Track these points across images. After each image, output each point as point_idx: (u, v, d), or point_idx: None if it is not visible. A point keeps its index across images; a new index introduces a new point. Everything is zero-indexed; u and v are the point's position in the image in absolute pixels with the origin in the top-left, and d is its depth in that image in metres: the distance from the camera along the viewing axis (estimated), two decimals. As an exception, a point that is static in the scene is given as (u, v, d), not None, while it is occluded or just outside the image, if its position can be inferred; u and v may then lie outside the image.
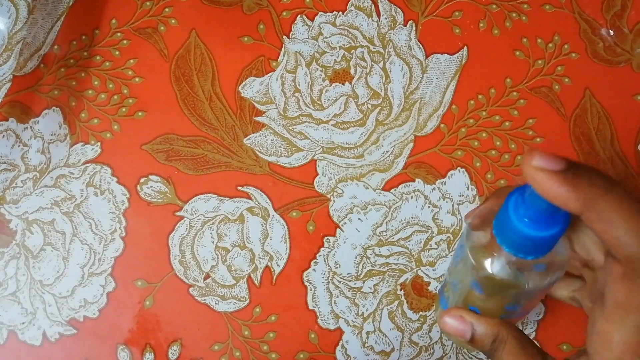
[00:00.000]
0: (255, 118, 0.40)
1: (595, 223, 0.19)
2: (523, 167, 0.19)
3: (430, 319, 0.38)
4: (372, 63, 0.39)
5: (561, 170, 0.19)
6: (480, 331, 0.25)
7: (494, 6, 0.39)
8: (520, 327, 0.38)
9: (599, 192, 0.19)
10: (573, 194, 0.19)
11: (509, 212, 0.21)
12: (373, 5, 0.40)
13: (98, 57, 0.41)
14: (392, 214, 0.38)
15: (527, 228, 0.21)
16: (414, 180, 0.39)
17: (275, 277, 0.38)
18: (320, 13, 0.40)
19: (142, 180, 0.39)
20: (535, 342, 0.28)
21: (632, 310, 0.19)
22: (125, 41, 0.41)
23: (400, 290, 0.38)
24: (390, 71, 0.39)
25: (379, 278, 0.38)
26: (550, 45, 0.39)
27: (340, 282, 0.38)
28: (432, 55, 0.39)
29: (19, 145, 0.40)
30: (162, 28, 0.40)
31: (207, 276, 0.38)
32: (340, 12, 0.40)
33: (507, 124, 0.39)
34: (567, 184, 0.19)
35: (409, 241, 0.38)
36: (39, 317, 0.39)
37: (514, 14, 0.39)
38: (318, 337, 0.38)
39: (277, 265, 0.38)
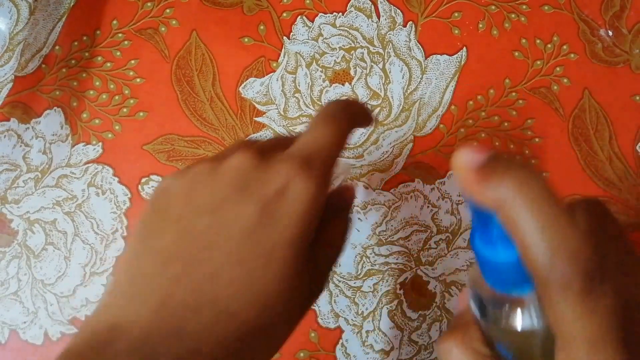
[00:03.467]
0: (256, 118, 0.40)
1: (508, 226, 0.16)
2: (452, 168, 0.17)
3: (429, 317, 0.38)
4: (372, 64, 0.39)
5: (479, 165, 0.16)
6: None
7: (493, 7, 0.39)
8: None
9: (511, 187, 0.16)
10: (485, 191, 0.16)
11: (474, 242, 0.18)
12: (373, 6, 0.40)
13: (99, 58, 0.41)
14: (391, 213, 0.38)
15: (487, 252, 0.17)
16: (413, 180, 0.39)
17: (275, 276, 0.38)
18: (320, 14, 0.40)
19: (143, 180, 0.40)
20: None
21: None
22: (126, 42, 0.41)
23: (400, 289, 0.38)
24: (389, 72, 0.39)
25: (379, 277, 0.38)
26: (549, 45, 0.39)
27: (340, 281, 0.38)
28: (431, 56, 0.39)
29: (21, 146, 0.40)
30: (163, 29, 0.41)
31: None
32: (340, 13, 0.40)
33: (505, 124, 0.39)
34: (480, 180, 0.16)
35: (409, 241, 0.38)
36: (40, 317, 0.39)
37: (513, 15, 0.39)
38: (318, 335, 0.38)
39: (278, 264, 0.38)
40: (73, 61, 0.41)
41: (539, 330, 0.18)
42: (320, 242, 0.23)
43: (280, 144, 0.23)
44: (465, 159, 0.17)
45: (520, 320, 0.18)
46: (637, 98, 0.38)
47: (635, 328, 0.17)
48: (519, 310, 0.18)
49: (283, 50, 0.40)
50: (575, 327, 0.15)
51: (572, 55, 0.39)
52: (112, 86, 0.40)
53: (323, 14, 0.40)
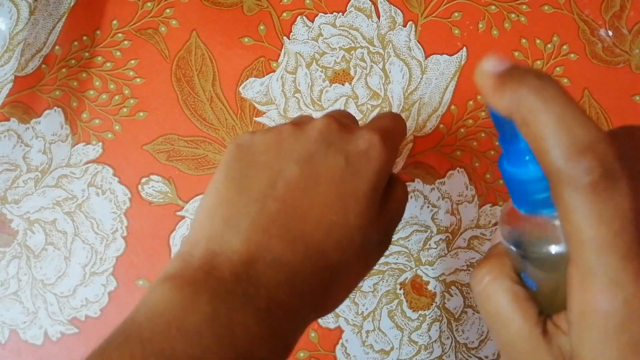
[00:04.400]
0: (256, 118, 0.40)
1: (524, 129, 0.16)
2: (475, 79, 0.17)
3: (429, 317, 0.38)
4: (372, 64, 0.39)
5: (500, 72, 0.16)
6: None
7: (493, 7, 0.39)
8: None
9: (527, 89, 0.15)
10: (503, 95, 0.16)
11: (501, 164, 0.18)
12: (373, 6, 0.40)
13: (99, 58, 0.41)
14: (391, 213, 0.38)
15: (513, 170, 0.17)
16: (413, 180, 0.39)
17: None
18: (320, 14, 0.40)
19: (143, 180, 0.40)
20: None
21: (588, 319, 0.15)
22: (126, 42, 0.41)
23: (400, 289, 0.38)
24: (389, 72, 0.39)
25: (379, 277, 0.38)
26: (549, 45, 0.39)
27: (340, 281, 0.38)
28: (431, 56, 0.39)
29: (21, 146, 0.40)
30: (163, 29, 0.41)
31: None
32: (340, 13, 0.40)
33: (506, 124, 0.39)
34: (498, 85, 0.16)
35: (409, 241, 0.38)
36: (40, 317, 0.39)
37: (513, 15, 0.39)
38: (318, 336, 0.38)
39: (278, 264, 0.38)
40: (73, 61, 0.41)
41: (564, 255, 0.17)
42: (387, 201, 0.26)
43: (350, 120, 0.27)
44: (486, 66, 0.17)
45: (545, 245, 0.18)
46: (637, 98, 0.38)
47: None
48: (545, 235, 0.18)
49: (283, 50, 0.40)
50: (584, 227, 0.14)
51: (572, 55, 0.39)
52: (112, 86, 0.40)
53: (323, 14, 0.40)
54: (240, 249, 0.21)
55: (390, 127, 0.26)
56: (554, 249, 0.18)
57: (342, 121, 0.25)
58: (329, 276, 0.22)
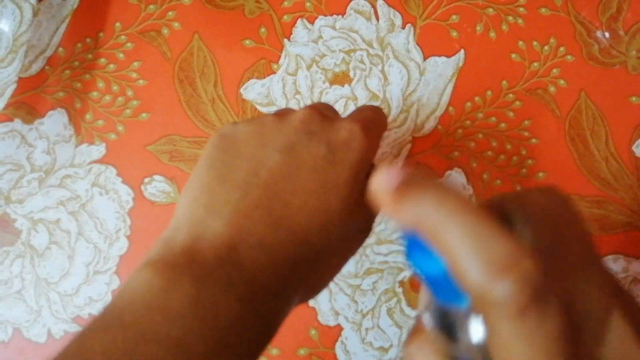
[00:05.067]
0: (257, 119, 0.40)
1: (433, 242, 0.14)
2: (370, 193, 0.16)
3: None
4: (371, 66, 0.40)
5: (397, 185, 0.16)
6: None
7: (491, 9, 0.40)
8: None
9: (429, 201, 0.14)
10: (404, 210, 0.15)
11: (408, 255, 0.17)
12: (372, 9, 0.40)
13: (102, 60, 0.41)
14: (390, 213, 0.39)
15: (420, 265, 0.16)
16: (412, 181, 0.39)
17: (276, 275, 0.39)
18: (320, 17, 0.40)
19: (146, 180, 0.40)
20: None
21: None
22: (129, 44, 0.41)
23: (399, 287, 0.39)
24: (388, 74, 0.40)
25: (378, 276, 0.39)
26: (546, 47, 0.40)
27: (339, 279, 0.39)
28: (429, 58, 0.40)
29: (25, 146, 0.41)
30: (165, 31, 0.41)
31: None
32: (340, 16, 0.40)
33: (503, 125, 0.39)
34: (397, 199, 0.15)
35: (408, 240, 0.39)
36: (44, 315, 0.39)
37: (510, 17, 0.40)
38: (318, 333, 0.38)
39: (278, 263, 0.39)
40: (76, 63, 0.41)
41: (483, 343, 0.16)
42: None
43: (332, 112, 0.28)
44: (381, 180, 0.16)
45: (465, 332, 0.16)
46: (634, 99, 0.39)
47: (582, 349, 0.15)
48: (464, 321, 0.16)
49: (284, 52, 0.40)
50: (512, 352, 0.13)
51: (569, 57, 0.39)
52: (115, 87, 0.41)
53: (323, 17, 0.40)
54: (223, 233, 0.21)
55: (370, 118, 0.27)
56: (471, 335, 0.16)
57: (323, 112, 0.26)
58: (313, 260, 0.23)
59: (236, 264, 0.20)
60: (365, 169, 0.25)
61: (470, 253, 0.13)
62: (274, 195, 0.22)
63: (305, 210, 0.23)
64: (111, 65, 0.41)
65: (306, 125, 0.25)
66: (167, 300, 0.19)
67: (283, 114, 0.26)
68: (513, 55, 0.40)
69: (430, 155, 0.39)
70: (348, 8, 0.40)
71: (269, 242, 0.22)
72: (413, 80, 0.40)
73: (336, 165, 0.24)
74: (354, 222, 0.25)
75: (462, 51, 0.40)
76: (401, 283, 0.39)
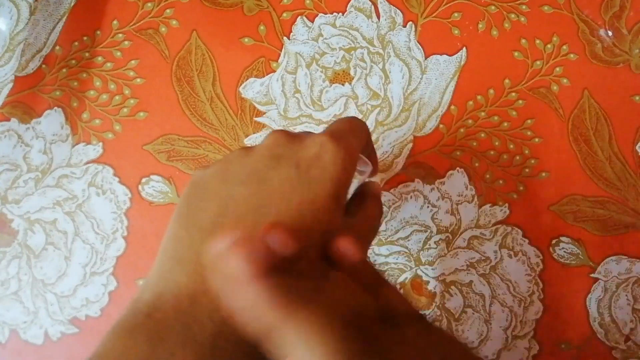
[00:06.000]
0: (256, 118, 0.40)
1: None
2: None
3: (429, 317, 0.38)
4: (372, 64, 0.39)
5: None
6: None
7: (493, 7, 0.39)
8: (519, 326, 0.38)
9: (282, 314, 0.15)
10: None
11: None
12: (373, 6, 0.40)
13: (100, 58, 0.41)
14: (391, 213, 0.39)
15: None
16: (413, 180, 0.39)
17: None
18: (320, 14, 0.40)
19: (143, 180, 0.40)
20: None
21: None
22: (126, 42, 0.41)
23: (400, 289, 0.38)
24: (389, 72, 0.39)
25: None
26: (549, 46, 0.39)
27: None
28: (431, 56, 0.39)
29: (21, 146, 0.40)
30: (163, 29, 0.41)
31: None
32: (340, 14, 0.40)
33: (505, 124, 0.39)
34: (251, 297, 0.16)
35: (408, 240, 0.38)
36: (40, 316, 0.39)
37: (513, 15, 0.39)
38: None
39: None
40: (73, 61, 0.41)
41: None
42: (356, 215, 0.24)
43: (304, 133, 0.25)
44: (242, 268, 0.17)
45: None
46: (637, 98, 0.38)
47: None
48: None
49: (283, 50, 0.40)
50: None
51: (572, 55, 0.39)
52: (112, 86, 0.41)
53: (323, 15, 0.40)
54: (187, 283, 0.20)
55: (341, 128, 0.25)
56: None
57: (291, 133, 0.24)
58: None
59: (198, 315, 0.19)
60: (344, 186, 0.23)
61: None
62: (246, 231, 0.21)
63: None
64: (108, 64, 0.41)
65: (271, 150, 0.23)
66: None
67: (251, 146, 0.24)
68: (515, 54, 0.39)
69: (432, 154, 0.39)
70: (348, 5, 0.40)
71: None
72: (414, 79, 0.39)
73: (310, 185, 0.21)
74: None
75: (464, 49, 0.39)
76: (402, 285, 0.38)
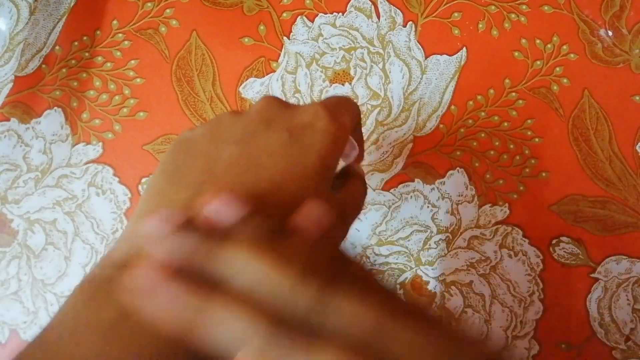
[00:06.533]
0: (256, 118, 0.40)
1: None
2: None
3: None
4: (372, 64, 0.39)
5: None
6: None
7: (493, 7, 0.39)
8: (519, 326, 0.38)
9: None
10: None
11: None
12: (373, 6, 0.40)
13: (99, 58, 0.41)
14: (391, 213, 0.39)
15: None
16: (413, 180, 0.39)
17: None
18: (320, 14, 0.40)
19: (143, 180, 0.40)
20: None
21: None
22: (126, 42, 0.41)
23: (400, 289, 0.38)
24: (389, 72, 0.39)
25: (379, 277, 0.38)
26: (549, 46, 0.39)
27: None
28: (431, 56, 0.39)
29: (21, 146, 0.40)
30: (163, 29, 0.41)
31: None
32: (340, 14, 0.40)
33: (505, 124, 0.39)
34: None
35: (409, 241, 0.38)
36: (40, 316, 0.39)
37: (513, 15, 0.39)
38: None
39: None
40: (73, 61, 0.41)
41: None
42: (340, 191, 0.24)
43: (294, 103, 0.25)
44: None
45: None
46: (637, 98, 0.38)
47: None
48: None
49: (283, 50, 0.40)
50: None
51: (572, 55, 0.39)
52: (112, 86, 0.41)
53: (323, 14, 0.40)
54: None
55: (336, 102, 0.24)
56: None
57: (283, 100, 0.24)
58: None
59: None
60: (335, 157, 0.22)
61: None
62: (232, 189, 0.20)
63: None
64: (108, 64, 0.41)
65: (263, 114, 0.22)
66: (88, 319, 0.18)
67: (242, 110, 0.24)
68: (516, 54, 0.39)
69: (432, 154, 0.39)
70: (348, 5, 0.40)
71: None
72: (414, 79, 0.39)
73: (301, 151, 0.21)
74: None
75: (464, 49, 0.39)
76: (402, 285, 0.38)
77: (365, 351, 0.15)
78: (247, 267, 0.17)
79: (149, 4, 0.41)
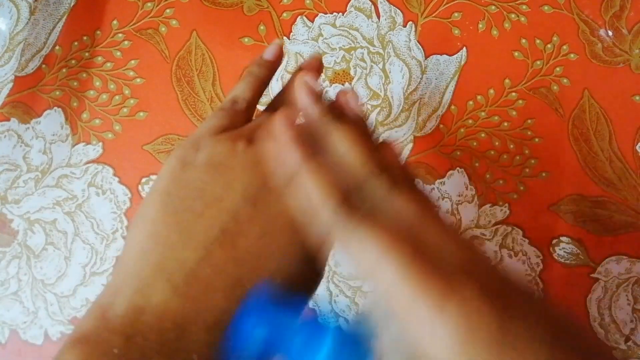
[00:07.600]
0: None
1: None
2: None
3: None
4: (372, 64, 0.39)
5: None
6: None
7: (493, 7, 0.39)
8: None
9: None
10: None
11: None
12: (373, 6, 0.40)
13: (99, 58, 0.41)
14: (391, 213, 0.38)
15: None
16: (413, 180, 0.39)
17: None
18: (320, 14, 0.40)
19: (143, 180, 0.40)
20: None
21: None
22: (126, 42, 0.41)
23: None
24: (389, 72, 0.39)
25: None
26: (549, 46, 0.39)
27: (340, 281, 0.38)
28: (431, 56, 0.39)
29: (21, 146, 0.40)
30: (163, 29, 0.41)
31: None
32: (340, 14, 0.40)
33: (505, 124, 0.39)
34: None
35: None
36: (40, 317, 0.39)
37: (513, 15, 0.39)
38: (318, 336, 0.38)
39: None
40: (73, 61, 0.41)
41: None
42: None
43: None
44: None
45: None
46: (637, 98, 0.38)
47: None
48: None
49: (283, 50, 0.40)
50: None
51: (572, 55, 0.39)
52: (112, 86, 0.41)
53: (323, 14, 0.40)
54: (173, 306, 0.17)
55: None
56: None
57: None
58: None
59: (184, 346, 0.17)
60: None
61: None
62: (244, 260, 0.19)
63: (282, 273, 0.20)
64: (108, 64, 0.41)
65: (221, 161, 0.21)
66: None
67: (255, 139, 0.22)
68: (516, 54, 0.39)
69: (432, 154, 0.39)
70: (348, 5, 0.40)
71: (229, 318, 0.18)
72: (414, 79, 0.39)
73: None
74: (306, 271, 0.21)
75: (464, 49, 0.39)
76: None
77: (404, 234, 0.18)
78: (349, 152, 0.20)
79: (149, 4, 0.41)
